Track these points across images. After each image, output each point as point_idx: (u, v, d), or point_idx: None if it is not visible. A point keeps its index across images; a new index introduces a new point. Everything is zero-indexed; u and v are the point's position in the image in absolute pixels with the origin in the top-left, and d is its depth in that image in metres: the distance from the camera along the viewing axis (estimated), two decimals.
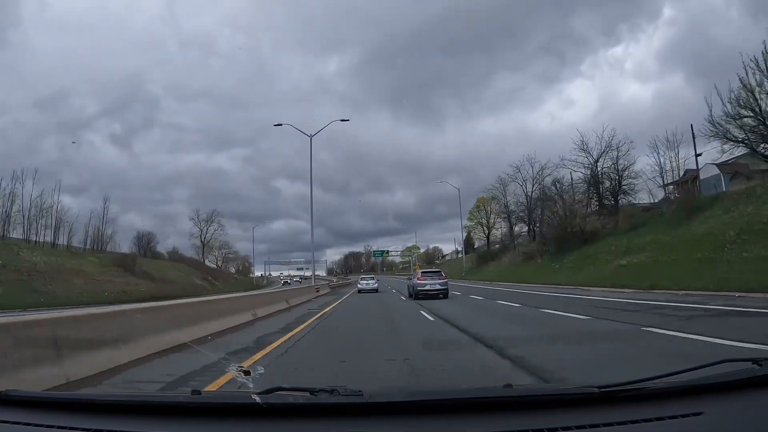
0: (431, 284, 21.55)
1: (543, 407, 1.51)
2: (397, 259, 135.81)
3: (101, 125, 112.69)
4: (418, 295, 21.27)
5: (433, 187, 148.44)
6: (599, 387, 1.52)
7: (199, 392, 1.67)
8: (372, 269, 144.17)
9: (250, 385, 1.69)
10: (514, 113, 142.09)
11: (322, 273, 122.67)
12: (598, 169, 41.61)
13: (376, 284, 35.08)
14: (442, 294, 21.16)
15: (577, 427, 1.38)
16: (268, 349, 7.69)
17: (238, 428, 1.48)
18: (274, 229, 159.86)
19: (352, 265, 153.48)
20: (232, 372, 1.75)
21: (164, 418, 1.55)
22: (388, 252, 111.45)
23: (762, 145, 26.23)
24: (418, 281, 22.03)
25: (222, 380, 4.87)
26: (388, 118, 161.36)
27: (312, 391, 1.53)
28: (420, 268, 35.08)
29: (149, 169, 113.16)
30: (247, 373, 1.76)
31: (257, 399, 1.47)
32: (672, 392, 1.55)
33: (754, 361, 1.63)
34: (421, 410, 1.48)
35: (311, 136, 35.80)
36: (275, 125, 36.97)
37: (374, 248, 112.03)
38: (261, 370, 1.80)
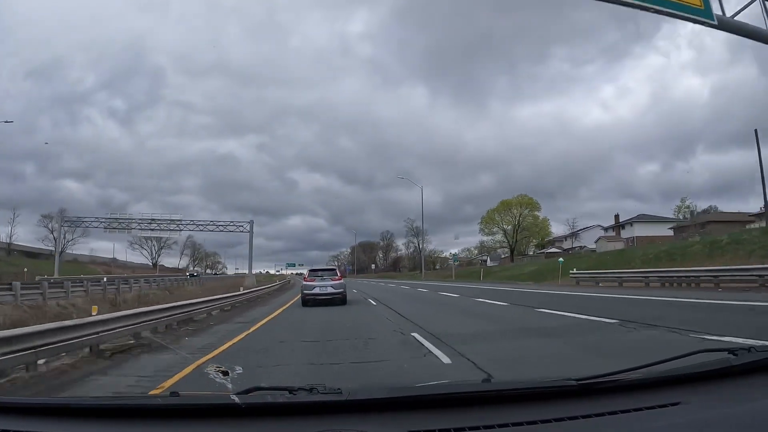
0: (321, 287, 17.10)
1: (522, 401, 1.52)
2: (444, 248, 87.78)
3: (100, 100, 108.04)
4: (306, 301, 17.05)
5: (465, 183, 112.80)
6: (577, 379, 1.53)
7: (177, 394, 1.66)
8: (393, 266, 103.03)
9: (228, 386, 1.68)
10: (567, 97, 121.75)
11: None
12: None
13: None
14: (338, 299, 16.93)
15: (557, 420, 1.39)
16: None
17: (218, 429, 1.46)
18: (290, 226, 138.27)
19: (362, 260, 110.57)
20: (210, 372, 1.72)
21: (142, 421, 1.53)
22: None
23: None
24: (305, 283, 17.74)
25: None
26: (423, 94, 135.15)
27: (291, 390, 1.53)
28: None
29: (153, 154, 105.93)
30: (225, 373, 1.74)
31: (236, 399, 1.47)
32: (649, 383, 1.58)
33: (730, 351, 1.66)
34: (401, 406, 1.48)
35: None
36: None
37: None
38: (239, 370, 1.79)
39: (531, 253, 65.74)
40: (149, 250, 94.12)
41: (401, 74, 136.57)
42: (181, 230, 57.05)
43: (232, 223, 60.85)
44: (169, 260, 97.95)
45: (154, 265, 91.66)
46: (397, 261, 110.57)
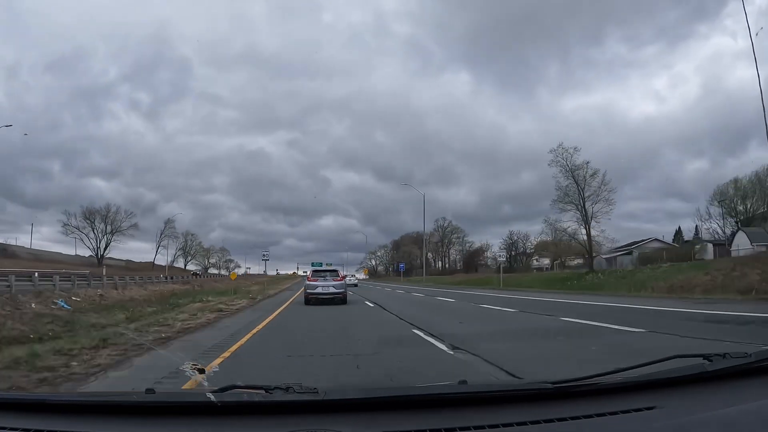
0: (323, 286, 17.87)
1: (498, 403, 1.52)
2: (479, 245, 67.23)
3: (124, 94, 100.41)
4: (308, 299, 17.80)
5: (505, 181, 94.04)
6: (553, 382, 1.54)
7: (153, 391, 1.64)
8: (466, 265, 71.89)
9: (205, 383, 1.66)
10: (624, 82, 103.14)
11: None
12: None
13: None
14: (339, 299, 17.69)
15: (532, 422, 1.39)
16: None
17: (194, 427, 1.45)
18: (322, 226, 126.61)
19: (413, 255, 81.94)
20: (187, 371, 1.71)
21: (118, 418, 1.51)
22: None
23: None
24: (309, 282, 18.60)
25: None
26: (466, 81, 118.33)
27: (267, 389, 1.52)
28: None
29: (180, 151, 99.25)
30: (201, 371, 1.72)
31: (212, 397, 1.46)
32: (625, 387, 1.59)
33: (705, 356, 1.68)
34: (376, 407, 1.48)
35: None
36: None
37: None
38: (216, 368, 1.77)
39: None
40: (95, 238, 63.39)
41: (443, 58, 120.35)
42: None
43: None
44: (146, 255, 78.76)
45: (99, 260, 62.33)
46: (473, 256, 75.57)
